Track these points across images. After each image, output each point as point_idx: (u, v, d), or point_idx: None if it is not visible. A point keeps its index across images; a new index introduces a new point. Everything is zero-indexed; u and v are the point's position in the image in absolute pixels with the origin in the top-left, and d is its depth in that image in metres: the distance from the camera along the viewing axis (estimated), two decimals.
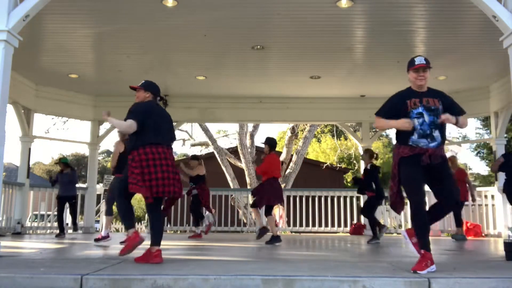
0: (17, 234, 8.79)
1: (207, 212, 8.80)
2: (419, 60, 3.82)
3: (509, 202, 7.58)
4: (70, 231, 9.46)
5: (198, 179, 8.37)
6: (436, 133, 3.66)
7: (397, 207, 3.91)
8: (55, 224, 8.84)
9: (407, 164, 3.65)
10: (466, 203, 8.82)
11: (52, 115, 11.39)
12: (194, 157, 8.64)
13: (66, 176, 8.61)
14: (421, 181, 3.68)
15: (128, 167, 4.12)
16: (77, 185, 9.04)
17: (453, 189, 3.72)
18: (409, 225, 10.69)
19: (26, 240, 7.65)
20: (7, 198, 8.87)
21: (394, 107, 3.81)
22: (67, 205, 8.76)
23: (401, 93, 3.89)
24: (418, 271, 3.31)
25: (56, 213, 9.02)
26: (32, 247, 6.37)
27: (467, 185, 8.51)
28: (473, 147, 24.50)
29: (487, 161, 23.07)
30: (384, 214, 13.84)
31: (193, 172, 8.34)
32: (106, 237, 6.55)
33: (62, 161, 8.95)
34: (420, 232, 3.60)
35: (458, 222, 8.36)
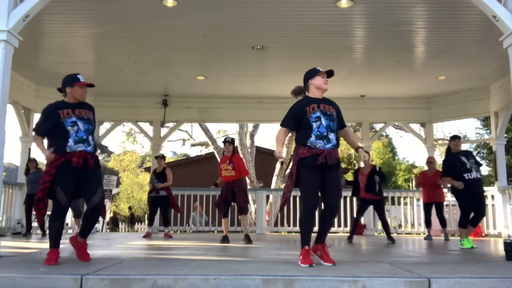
0: (17, 234, 8.79)
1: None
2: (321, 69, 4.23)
3: None
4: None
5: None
6: (332, 136, 3.96)
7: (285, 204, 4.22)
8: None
9: (305, 165, 3.91)
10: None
11: None
12: (163, 156, 8.81)
13: (32, 175, 8.58)
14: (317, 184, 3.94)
15: None
16: None
17: (338, 192, 4.02)
18: (409, 225, 10.70)
19: (26, 240, 7.64)
20: (7, 198, 8.87)
21: (294, 117, 4.13)
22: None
23: (295, 105, 4.23)
24: (312, 264, 3.65)
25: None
26: (32, 247, 6.37)
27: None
28: (473, 147, 24.49)
29: (487, 161, 23.05)
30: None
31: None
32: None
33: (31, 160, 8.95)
34: (306, 230, 3.91)
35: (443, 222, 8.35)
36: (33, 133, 4.14)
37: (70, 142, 3.93)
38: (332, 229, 10.57)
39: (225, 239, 6.79)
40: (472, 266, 3.95)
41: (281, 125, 4.17)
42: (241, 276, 3.13)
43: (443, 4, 6.03)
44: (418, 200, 11.15)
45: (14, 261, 4.12)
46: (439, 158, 29.01)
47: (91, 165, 3.96)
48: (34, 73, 9.02)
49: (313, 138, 3.91)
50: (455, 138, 6.51)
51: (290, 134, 15.79)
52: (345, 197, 10.73)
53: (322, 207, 4.11)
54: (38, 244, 6.67)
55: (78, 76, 4.18)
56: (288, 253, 5.48)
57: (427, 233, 8.53)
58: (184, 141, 19.83)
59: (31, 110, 9.72)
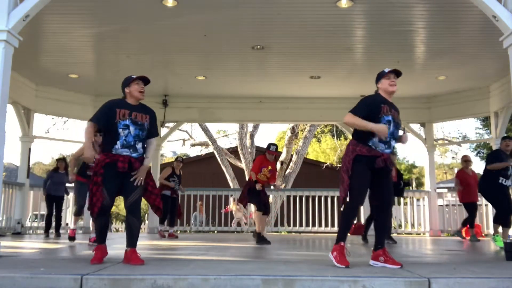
0: (17, 234, 8.79)
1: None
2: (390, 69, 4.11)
3: None
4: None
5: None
6: (392, 143, 3.93)
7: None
8: (53, 224, 8.78)
9: (361, 163, 3.83)
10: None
11: (52, 115, 11.39)
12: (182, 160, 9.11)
13: (59, 176, 8.60)
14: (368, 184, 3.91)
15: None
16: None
17: (391, 196, 4.01)
18: (409, 225, 10.71)
19: (26, 240, 7.65)
20: (7, 198, 8.87)
21: (369, 109, 3.94)
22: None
23: (374, 97, 4.10)
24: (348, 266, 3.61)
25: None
26: (32, 247, 6.37)
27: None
28: (473, 147, 24.50)
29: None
30: None
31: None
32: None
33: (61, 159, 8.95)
34: (345, 227, 3.89)
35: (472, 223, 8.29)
36: (88, 122, 4.13)
37: (118, 145, 3.95)
38: (332, 229, 10.57)
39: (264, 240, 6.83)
40: (472, 266, 3.95)
41: (352, 111, 3.95)
42: (241, 276, 3.13)
43: (443, 4, 6.03)
44: (418, 200, 11.16)
45: (14, 261, 4.12)
46: (439, 158, 29.03)
47: (136, 168, 3.97)
48: (34, 73, 9.01)
49: (376, 139, 3.85)
50: (506, 139, 6.76)
51: (290, 134, 15.81)
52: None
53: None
54: (38, 244, 6.67)
55: (133, 76, 4.18)
56: (288, 253, 5.49)
57: (471, 234, 8.23)
58: (184, 141, 19.83)
59: (31, 110, 9.72)
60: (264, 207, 6.93)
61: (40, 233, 9.93)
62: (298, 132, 16.06)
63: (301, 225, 10.49)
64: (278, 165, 15.44)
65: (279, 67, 8.66)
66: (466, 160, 8.58)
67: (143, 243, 6.94)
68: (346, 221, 3.90)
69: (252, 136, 16.33)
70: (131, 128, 3.99)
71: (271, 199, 14.03)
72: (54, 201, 8.58)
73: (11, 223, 8.99)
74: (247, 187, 7.04)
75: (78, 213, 7.08)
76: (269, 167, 6.97)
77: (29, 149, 9.71)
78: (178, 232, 10.85)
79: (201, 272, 3.30)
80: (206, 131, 16.23)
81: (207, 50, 7.74)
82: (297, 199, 10.64)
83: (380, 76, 4.11)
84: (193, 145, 19.79)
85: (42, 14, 5.34)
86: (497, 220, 6.60)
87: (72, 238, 6.98)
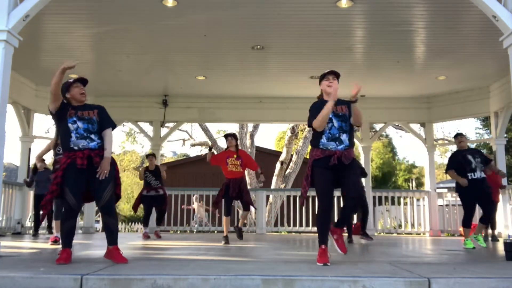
0: (17, 234, 8.79)
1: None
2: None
3: None
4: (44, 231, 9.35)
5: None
6: (344, 137, 4.00)
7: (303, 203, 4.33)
8: (52, 224, 8.78)
9: (318, 167, 3.98)
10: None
11: None
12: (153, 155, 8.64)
13: (41, 175, 8.56)
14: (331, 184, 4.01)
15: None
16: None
17: (356, 183, 4.07)
18: (409, 225, 10.71)
19: (26, 240, 7.64)
20: (7, 198, 8.87)
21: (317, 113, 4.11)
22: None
23: (316, 104, 4.27)
24: (326, 263, 3.75)
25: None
26: (32, 247, 6.37)
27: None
28: (473, 147, 24.49)
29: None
30: (384, 214, 13.86)
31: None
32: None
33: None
34: (322, 230, 4.01)
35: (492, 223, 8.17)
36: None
37: (73, 138, 3.98)
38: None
39: (226, 239, 6.59)
40: (472, 266, 3.96)
41: (308, 125, 4.21)
42: (241, 276, 3.13)
43: (443, 4, 6.03)
44: (418, 200, 11.16)
45: (14, 261, 4.12)
46: (439, 158, 29.05)
47: (98, 163, 3.95)
48: (34, 73, 9.01)
49: (324, 140, 3.98)
50: (457, 136, 6.57)
51: (290, 134, 15.81)
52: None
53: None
54: (38, 244, 6.66)
55: (70, 80, 4.26)
56: (288, 253, 5.48)
57: (491, 234, 8.21)
58: (184, 141, 19.83)
59: (31, 110, 9.72)
60: (246, 205, 6.74)
61: (40, 233, 9.92)
62: (298, 132, 16.06)
63: (301, 225, 10.49)
64: (278, 165, 15.45)
65: (279, 67, 8.66)
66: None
67: (143, 243, 6.94)
68: (320, 225, 4.05)
69: (252, 136, 16.33)
70: (79, 123, 4.03)
71: (271, 199, 14.04)
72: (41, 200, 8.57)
73: (11, 223, 8.99)
74: (223, 186, 6.77)
75: (57, 217, 6.63)
76: (234, 156, 6.67)
77: (29, 149, 9.71)
78: (179, 232, 10.83)
79: (201, 272, 3.30)
80: (206, 131, 16.23)
81: (207, 50, 7.74)
82: (297, 199, 10.63)
83: (321, 78, 4.39)
84: (193, 145, 19.78)
85: (42, 14, 5.34)
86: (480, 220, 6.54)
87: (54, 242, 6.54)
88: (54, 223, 6.83)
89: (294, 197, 10.71)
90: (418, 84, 9.36)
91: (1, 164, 4.46)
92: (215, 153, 7.00)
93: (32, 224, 8.94)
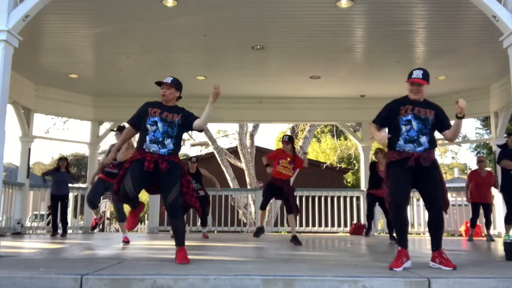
0: (17, 234, 8.79)
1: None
2: (416, 74, 4.03)
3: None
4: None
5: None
6: (423, 139, 3.85)
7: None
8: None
9: (394, 167, 3.85)
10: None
11: (52, 115, 11.38)
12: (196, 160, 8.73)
13: (61, 175, 8.62)
14: (406, 183, 3.83)
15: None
16: (76, 185, 9.00)
17: (439, 192, 3.83)
18: (409, 225, 10.68)
19: (26, 240, 7.65)
20: (7, 198, 8.86)
21: (388, 112, 4.02)
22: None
23: (396, 100, 4.10)
24: (394, 268, 3.51)
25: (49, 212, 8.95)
26: (32, 247, 6.37)
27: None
28: (473, 147, 24.52)
29: (487, 161, 23.02)
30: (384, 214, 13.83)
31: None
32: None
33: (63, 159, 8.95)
34: (398, 231, 3.87)
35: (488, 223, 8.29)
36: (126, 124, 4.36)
37: (147, 141, 4.08)
38: (332, 229, 10.58)
39: (260, 231, 6.72)
40: (472, 266, 3.96)
41: (373, 121, 4.08)
42: (241, 276, 3.13)
43: (443, 4, 6.03)
44: (418, 200, 11.15)
45: (14, 261, 4.12)
46: (439, 158, 29.07)
47: (163, 170, 4.00)
48: (34, 73, 9.01)
49: (401, 142, 3.85)
50: (510, 135, 6.94)
51: (290, 134, 15.79)
52: (345, 197, 10.74)
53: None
54: (38, 244, 6.67)
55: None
56: (288, 253, 5.48)
57: (470, 234, 8.35)
58: (184, 141, 19.82)
59: (31, 110, 9.71)
60: (289, 208, 6.70)
61: (40, 233, 9.93)
62: (298, 132, 16.05)
63: (301, 225, 10.49)
64: None
65: (279, 67, 8.66)
66: (480, 161, 8.53)
67: (144, 243, 6.94)
68: (394, 222, 3.92)
69: (252, 136, 16.32)
70: (159, 125, 4.13)
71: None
72: (59, 200, 8.60)
73: (11, 223, 8.99)
74: (268, 182, 6.84)
75: (121, 219, 6.55)
76: (288, 159, 6.66)
77: (29, 149, 9.71)
78: (188, 232, 10.82)
79: (201, 272, 3.30)
80: (206, 131, 16.22)
81: (207, 50, 7.74)
82: (297, 199, 10.62)
83: (408, 77, 4.10)
84: (193, 145, 19.78)
85: (42, 14, 5.33)
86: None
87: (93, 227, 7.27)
88: (118, 225, 6.93)
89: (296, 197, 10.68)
90: None
91: (1, 164, 4.46)
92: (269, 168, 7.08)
93: (32, 224, 8.93)
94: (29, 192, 9.65)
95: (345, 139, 24.16)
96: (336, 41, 7.30)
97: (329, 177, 19.74)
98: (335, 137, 22.17)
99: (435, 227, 3.86)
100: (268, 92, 10.05)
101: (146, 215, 19.00)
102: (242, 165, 16.07)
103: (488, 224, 8.21)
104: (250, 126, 16.37)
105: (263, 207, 6.84)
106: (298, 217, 10.44)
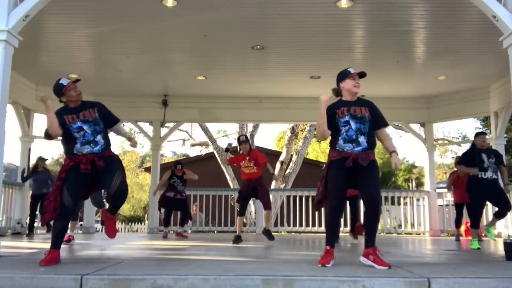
0: (17, 234, 8.79)
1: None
2: (353, 70, 4.11)
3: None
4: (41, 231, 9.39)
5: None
6: (362, 139, 3.91)
7: (321, 205, 4.25)
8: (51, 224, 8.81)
9: (333, 168, 3.93)
10: None
11: None
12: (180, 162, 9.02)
13: (40, 175, 8.67)
14: (344, 187, 3.96)
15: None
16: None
17: (373, 187, 3.90)
18: (409, 225, 10.70)
19: (26, 240, 7.65)
20: (7, 198, 8.87)
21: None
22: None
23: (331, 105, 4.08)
24: (325, 264, 3.72)
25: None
26: (32, 247, 6.37)
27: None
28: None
29: None
30: (384, 214, 13.84)
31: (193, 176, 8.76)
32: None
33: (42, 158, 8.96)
34: (329, 231, 4.01)
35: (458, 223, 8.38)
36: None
37: (78, 145, 4.00)
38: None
39: (238, 239, 6.68)
40: (472, 266, 3.96)
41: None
42: (241, 276, 3.13)
43: (443, 4, 6.03)
44: (418, 200, 11.16)
45: (14, 261, 4.12)
46: (439, 158, 29.07)
47: (101, 167, 3.95)
48: (34, 73, 9.01)
49: (341, 142, 3.93)
50: (480, 134, 6.50)
51: (290, 134, 15.80)
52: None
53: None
54: (38, 244, 6.67)
55: (64, 81, 4.15)
56: (288, 253, 5.48)
57: (456, 234, 8.46)
58: (184, 141, 19.81)
59: (31, 110, 9.72)
60: (265, 204, 6.83)
61: (40, 233, 9.93)
62: (298, 132, 16.05)
63: (301, 225, 10.49)
64: (278, 165, 15.44)
65: (279, 67, 8.66)
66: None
67: (143, 243, 6.94)
68: (327, 225, 4.02)
69: (252, 136, 16.32)
70: (85, 127, 4.03)
71: (271, 199, 14.05)
72: (40, 200, 8.61)
73: (11, 223, 8.99)
74: (241, 187, 7.03)
75: (100, 207, 6.53)
76: (246, 158, 6.86)
77: (29, 149, 9.71)
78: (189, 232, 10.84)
79: (201, 272, 3.30)
80: (206, 131, 16.22)
81: (207, 50, 7.74)
82: (297, 199, 10.64)
83: (345, 76, 4.13)
84: (193, 145, 19.77)
85: (42, 14, 5.33)
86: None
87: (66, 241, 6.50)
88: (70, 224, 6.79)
89: (294, 197, 10.71)
90: (418, 84, 9.36)
91: (1, 164, 4.46)
92: (231, 155, 7.33)
93: (40, 224, 8.94)
94: (29, 192, 9.64)
95: None
96: (336, 41, 7.30)
97: None
98: None
99: (369, 222, 3.92)
100: (268, 92, 10.05)
101: (146, 215, 18.99)
102: None
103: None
104: (250, 126, 16.38)
105: (241, 213, 6.99)
106: (298, 217, 10.48)
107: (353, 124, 3.92)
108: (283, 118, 11.11)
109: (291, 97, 10.23)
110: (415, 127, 11.51)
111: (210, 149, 17.56)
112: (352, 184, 3.95)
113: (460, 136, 22.92)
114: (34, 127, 9.79)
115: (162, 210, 8.73)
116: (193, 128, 18.94)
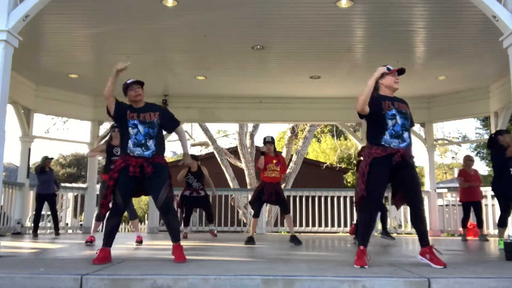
0: (17, 234, 8.79)
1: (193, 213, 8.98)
2: (392, 66, 4.13)
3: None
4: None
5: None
6: (406, 135, 3.89)
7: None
8: (49, 223, 8.84)
9: (377, 165, 3.83)
10: None
11: (52, 115, 11.40)
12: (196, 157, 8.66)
13: (48, 175, 8.68)
14: (385, 187, 3.89)
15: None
16: (76, 185, 9.05)
17: (420, 189, 3.89)
18: (409, 225, 10.69)
19: (26, 240, 7.65)
20: (7, 198, 8.87)
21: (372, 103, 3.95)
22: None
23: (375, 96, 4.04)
24: (364, 266, 3.63)
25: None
26: (32, 247, 6.37)
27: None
28: (473, 147, 24.52)
29: (487, 161, 23.07)
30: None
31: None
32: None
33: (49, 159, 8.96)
34: (362, 232, 3.95)
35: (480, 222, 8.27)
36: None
37: (130, 144, 4.09)
38: (332, 229, 10.58)
39: (251, 240, 6.55)
40: (472, 266, 3.96)
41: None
42: (241, 276, 3.13)
43: (443, 4, 6.03)
44: None
45: (14, 261, 4.12)
46: (439, 158, 29.09)
47: (148, 174, 4.02)
48: (34, 73, 9.01)
49: (387, 136, 3.85)
50: (503, 133, 6.54)
51: (290, 134, 15.80)
52: (345, 197, 10.74)
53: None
54: (38, 244, 6.67)
55: (128, 81, 4.35)
56: (288, 253, 5.48)
57: (462, 234, 8.37)
58: None
59: (31, 110, 9.71)
60: (285, 209, 6.83)
61: (40, 233, 9.93)
62: (298, 132, 16.05)
63: (301, 225, 10.49)
64: None
65: (279, 67, 8.66)
66: (469, 160, 8.53)
67: (144, 243, 6.93)
68: (367, 224, 3.91)
69: (252, 136, 16.33)
70: (140, 127, 4.12)
71: None
72: (46, 200, 8.61)
73: (11, 223, 8.99)
74: (258, 189, 6.80)
75: (98, 218, 6.38)
76: (274, 161, 6.67)
77: (29, 149, 9.71)
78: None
79: (201, 272, 3.30)
80: (206, 131, 16.23)
81: (207, 50, 7.74)
82: (297, 199, 10.63)
83: (384, 73, 4.09)
84: (193, 145, 19.77)
85: (42, 14, 5.33)
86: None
87: (90, 242, 6.24)
88: (93, 224, 6.65)
89: (294, 197, 10.70)
90: (418, 84, 9.35)
91: (1, 164, 4.46)
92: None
93: (32, 224, 8.93)
94: (29, 192, 9.65)
95: (345, 139, 24.19)
96: (336, 41, 7.30)
97: (329, 177, 19.73)
98: (335, 137, 22.18)
99: (420, 222, 3.87)
100: (268, 92, 10.05)
101: (146, 215, 18.99)
102: (242, 165, 16.07)
103: (480, 223, 8.20)
104: (250, 126, 16.38)
105: (256, 215, 6.79)
106: (298, 217, 10.47)
107: (399, 119, 3.89)
108: (283, 118, 11.11)
109: (291, 97, 10.23)
110: (415, 127, 11.51)
111: (210, 149, 17.57)
112: (390, 182, 3.89)
113: (460, 136, 22.95)
114: (34, 127, 9.79)
115: (179, 209, 8.52)
116: (193, 128, 18.96)
